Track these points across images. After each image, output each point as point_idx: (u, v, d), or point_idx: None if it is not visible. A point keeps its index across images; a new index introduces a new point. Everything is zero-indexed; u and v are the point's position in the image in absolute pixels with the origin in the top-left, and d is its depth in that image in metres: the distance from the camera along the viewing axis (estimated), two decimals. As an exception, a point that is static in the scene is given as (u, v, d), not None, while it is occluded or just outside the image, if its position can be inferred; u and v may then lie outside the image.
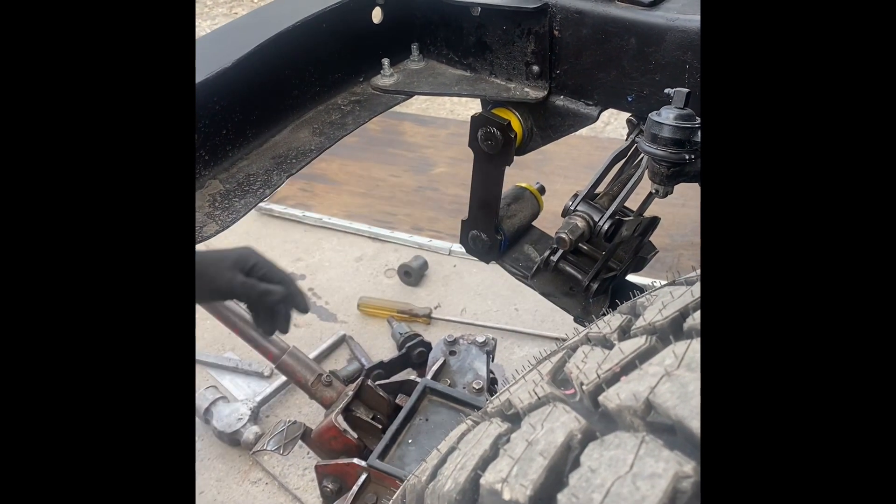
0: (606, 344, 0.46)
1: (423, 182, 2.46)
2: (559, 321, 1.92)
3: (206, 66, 0.84)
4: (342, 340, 1.88)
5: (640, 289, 1.17)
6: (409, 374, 1.75)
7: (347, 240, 2.22)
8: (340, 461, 1.34)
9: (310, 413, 1.72)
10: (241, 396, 1.73)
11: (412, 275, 2.03)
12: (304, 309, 1.11)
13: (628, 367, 0.40)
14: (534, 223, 1.25)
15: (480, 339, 1.61)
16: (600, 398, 0.39)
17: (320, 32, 0.96)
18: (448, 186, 2.41)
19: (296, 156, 0.92)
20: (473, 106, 2.91)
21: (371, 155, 2.58)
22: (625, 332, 0.47)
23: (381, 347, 1.87)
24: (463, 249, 2.11)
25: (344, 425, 1.39)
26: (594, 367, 0.42)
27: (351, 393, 1.44)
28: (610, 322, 0.50)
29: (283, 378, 1.77)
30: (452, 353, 1.60)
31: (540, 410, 0.42)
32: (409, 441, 1.37)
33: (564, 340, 0.59)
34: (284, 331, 1.15)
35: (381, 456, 1.32)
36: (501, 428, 0.44)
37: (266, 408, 1.72)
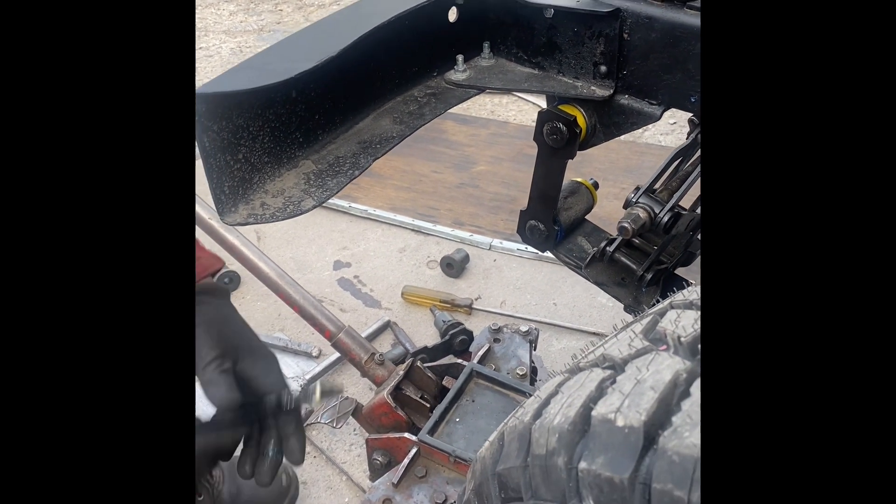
0: (694, 307, 0.53)
1: (464, 179, 2.53)
2: (596, 317, 1.98)
3: (307, 56, 0.92)
4: (386, 326, 1.96)
5: (688, 282, 1.23)
6: (451, 360, 1.82)
7: (391, 231, 2.30)
8: (392, 435, 1.41)
9: (355, 392, 1.79)
10: (290, 374, 1.81)
11: (454, 267, 2.10)
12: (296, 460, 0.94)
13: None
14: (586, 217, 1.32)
15: (524, 328, 1.68)
16: (699, 346, 0.46)
17: (404, 29, 1.04)
18: (488, 184, 2.48)
19: (379, 141, 1.00)
20: (514, 108, 2.98)
21: (415, 151, 2.66)
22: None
23: (424, 334, 1.94)
24: (503, 245, 2.19)
25: (394, 402, 1.46)
26: (690, 324, 0.49)
27: (402, 373, 1.51)
28: (694, 290, 0.56)
29: (331, 358, 1.85)
30: (497, 340, 1.67)
31: (642, 358, 0.49)
32: (457, 420, 1.44)
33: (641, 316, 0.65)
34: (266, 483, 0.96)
35: (431, 432, 1.40)
36: (605, 374, 0.51)
37: (314, 386, 1.80)
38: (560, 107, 1.11)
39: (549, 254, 2.14)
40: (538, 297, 2.05)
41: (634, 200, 1.00)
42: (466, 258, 2.13)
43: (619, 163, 2.53)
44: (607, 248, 1.13)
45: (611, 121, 1.08)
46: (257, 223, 0.87)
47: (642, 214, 0.99)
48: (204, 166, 0.83)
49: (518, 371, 1.57)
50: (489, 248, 2.20)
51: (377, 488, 1.38)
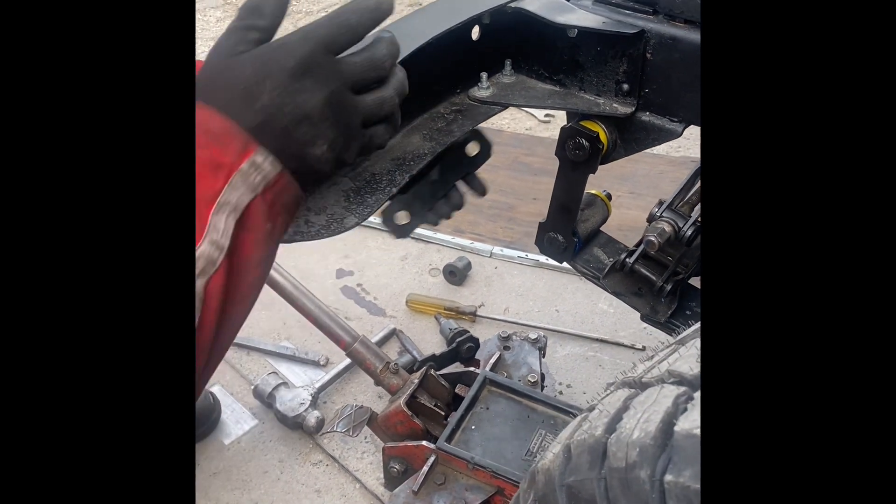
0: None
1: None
2: (598, 323, 2.02)
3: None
4: (392, 333, 1.98)
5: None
6: (457, 367, 1.84)
7: (392, 239, 2.32)
8: (409, 443, 1.44)
9: (364, 400, 1.81)
10: (298, 383, 1.82)
11: (457, 274, 2.13)
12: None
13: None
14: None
15: (533, 336, 1.71)
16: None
17: (432, 49, 1.06)
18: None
19: (412, 158, 1.02)
20: (508, 117, 3.01)
21: (411, 158, 2.68)
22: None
23: (430, 342, 1.97)
24: (503, 252, 2.22)
25: (410, 411, 1.49)
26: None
27: (416, 381, 1.53)
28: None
29: (340, 367, 1.87)
30: (507, 348, 1.70)
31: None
32: (473, 427, 1.47)
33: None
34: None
35: (449, 439, 1.42)
36: (679, 390, 0.54)
37: (324, 394, 1.82)
38: (582, 122, 1.14)
39: (548, 260, 2.18)
40: (540, 304, 2.08)
41: (659, 214, 1.04)
42: (468, 266, 2.16)
43: (614, 170, 2.57)
44: (627, 260, 1.17)
45: (632, 136, 1.12)
46: (304, 241, 0.89)
47: (668, 228, 1.02)
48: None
49: (529, 378, 1.61)
50: (490, 256, 2.23)
51: (397, 496, 1.40)
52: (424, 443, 1.42)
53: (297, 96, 0.70)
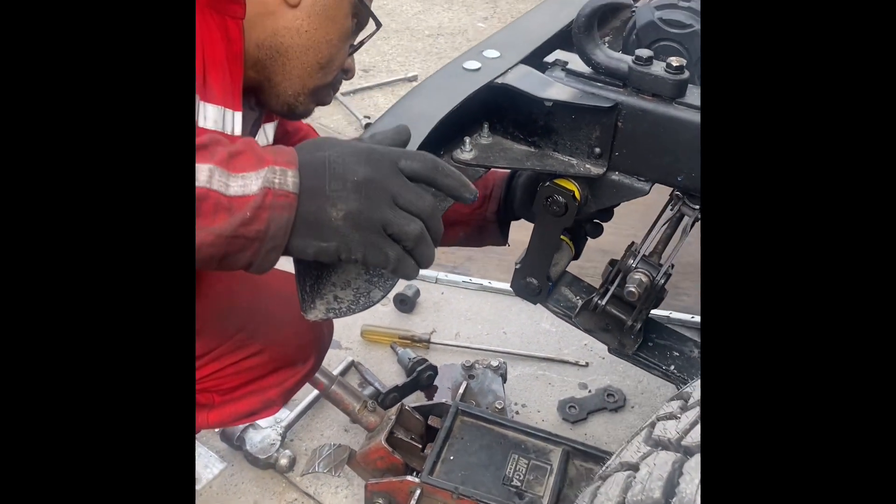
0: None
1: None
2: (543, 342, 2.16)
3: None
4: (351, 365, 2.03)
5: (659, 321, 1.40)
6: (422, 399, 1.92)
7: (337, 269, 2.36)
8: (394, 479, 1.51)
9: (332, 435, 1.86)
10: (264, 424, 1.84)
11: (407, 302, 2.20)
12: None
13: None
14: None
15: (494, 363, 1.82)
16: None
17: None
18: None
19: None
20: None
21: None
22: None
23: (388, 371, 2.04)
24: (448, 277, 2.32)
25: (390, 447, 1.56)
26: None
27: (393, 417, 1.60)
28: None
29: (304, 403, 1.90)
30: (471, 376, 1.80)
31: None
32: (451, 458, 1.56)
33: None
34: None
35: (431, 472, 1.51)
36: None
37: (290, 432, 1.85)
38: (556, 181, 1.25)
39: (491, 283, 2.29)
40: (488, 327, 2.19)
41: (634, 266, 1.16)
42: (417, 293, 2.24)
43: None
44: (599, 302, 1.29)
45: (602, 193, 1.24)
46: (336, 318, 0.95)
47: (644, 279, 1.15)
48: (294, 267, 0.90)
49: (496, 405, 1.71)
50: (436, 282, 2.32)
51: (387, 532, 1.47)
52: (409, 477, 1.50)
53: (350, 165, 0.78)
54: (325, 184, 0.77)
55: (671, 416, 0.80)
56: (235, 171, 0.75)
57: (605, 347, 1.39)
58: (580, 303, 1.38)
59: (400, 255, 0.81)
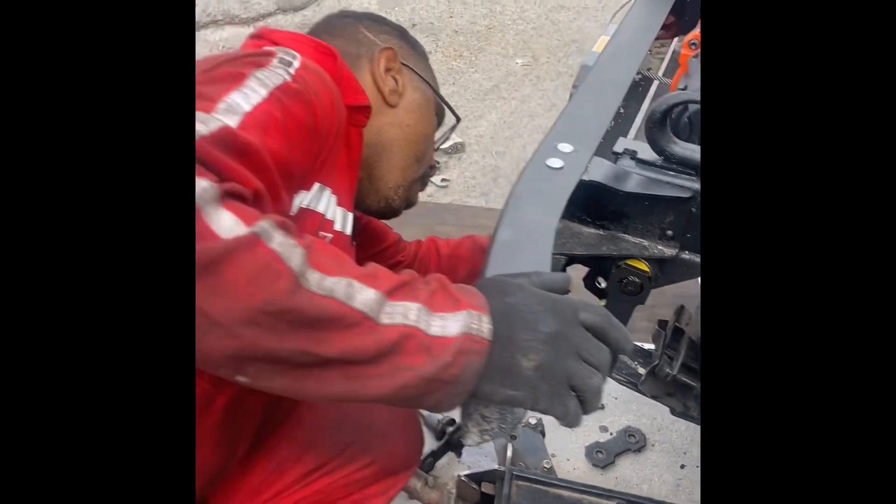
0: None
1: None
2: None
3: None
4: (378, 433, 2.02)
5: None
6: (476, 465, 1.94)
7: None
8: (466, 554, 1.53)
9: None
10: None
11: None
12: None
13: None
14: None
15: (533, 421, 1.86)
16: None
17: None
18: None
19: None
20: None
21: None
22: None
23: (415, 434, 2.04)
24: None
25: (457, 523, 1.57)
26: None
27: (454, 492, 1.62)
28: None
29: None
30: (513, 437, 1.84)
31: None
32: (515, 525, 1.59)
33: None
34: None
35: (500, 543, 1.53)
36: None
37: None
38: (629, 262, 1.31)
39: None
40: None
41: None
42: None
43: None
44: (669, 371, 1.36)
45: (673, 271, 1.30)
46: (492, 440, 0.96)
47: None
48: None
49: (545, 465, 1.76)
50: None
51: None
52: (481, 552, 1.52)
53: (539, 315, 0.79)
54: (516, 333, 0.79)
55: None
56: (435, 310, 0.76)
57: (618, 387, 1.48)
58: (639, 368, 1.45)
59: (577, 408, 0.81)
